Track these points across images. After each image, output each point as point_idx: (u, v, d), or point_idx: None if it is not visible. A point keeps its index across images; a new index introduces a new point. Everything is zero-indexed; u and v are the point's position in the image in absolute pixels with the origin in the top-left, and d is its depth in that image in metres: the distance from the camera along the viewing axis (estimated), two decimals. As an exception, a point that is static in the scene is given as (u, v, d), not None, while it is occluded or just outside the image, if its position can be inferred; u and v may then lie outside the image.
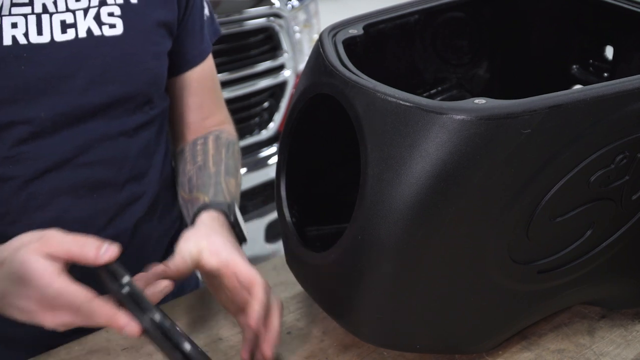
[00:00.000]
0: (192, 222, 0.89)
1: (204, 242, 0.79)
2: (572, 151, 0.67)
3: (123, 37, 0.90)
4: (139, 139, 0.95)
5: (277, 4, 1.93)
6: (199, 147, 1.03)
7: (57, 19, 0.86)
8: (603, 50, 0.95)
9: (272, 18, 1.92)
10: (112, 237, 0.91)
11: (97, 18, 0.88)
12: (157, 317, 0.64)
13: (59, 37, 0.86)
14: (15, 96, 0.84)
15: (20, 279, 0.66)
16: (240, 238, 0.88)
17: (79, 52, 0.87)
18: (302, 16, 2.09)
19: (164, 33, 0.95)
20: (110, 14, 0.89)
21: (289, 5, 2.00)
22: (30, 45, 0.84)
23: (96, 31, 0.88)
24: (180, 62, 1.02)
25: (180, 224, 1.10)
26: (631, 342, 0.81)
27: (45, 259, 0.66)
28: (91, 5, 0.88)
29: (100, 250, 0.66)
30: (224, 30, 1.79)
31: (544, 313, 0.82)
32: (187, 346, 0.64)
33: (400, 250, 0.66)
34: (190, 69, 1.04)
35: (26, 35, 0.84)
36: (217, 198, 0.91)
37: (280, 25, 1.94)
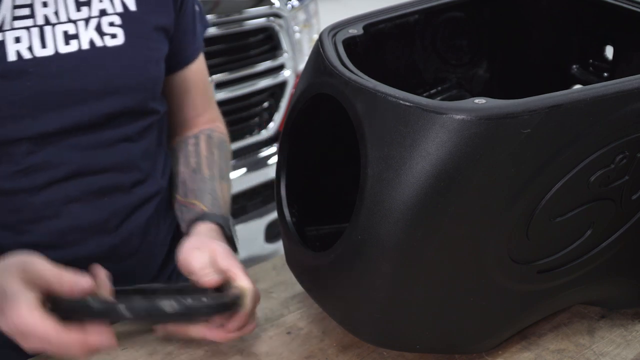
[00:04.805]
0: (188, 229, 0.91)
1: (213, 246, 0.81)
2: (571, 151, 0.67)
3: (124, 47, 0.89)
4: (142, 143, 0.96)
5: (277, 4, 1.93)
6: (190, 148, 1.03)
7: (59, 29, 0.85)
8: (603, 50, 0.95)
9: (271, 18, 1.92)
10: (125, 239, 0.95)
11: (99, 28, 0.88)
12: (125, 305, 0.69)
13: (63, 48, 0.85)
14: (22, 112, 0.83)
15: (2, 298, 0.68)
16: (233, 250, 0.89)
17: (83, 64, 0.86)
18: (301, 16, 2.09)
19: (162, 38, 0.95)
20: (111, 24, 0.89)
21: (289, 5, 2.00)
22: (35, 59, 0.83)
23: (98, 42, 0.88)
24: (174, 62, 1.02)
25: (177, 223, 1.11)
26: (631, 342, 0.81)
27: (25, 287, 0.68)
28: (92, 15, 0.88)
29: (74, 284, 0.69)
30: (224, 30, 1.82)
31: (544, 313, 0.82)
32: (167, 306, 0.70)
33: (400, 250, 0.66)
34: (184, 67, 1.04)
35: (30, 49, 0.83)
36: (214, 209, 0.94)
37: (280, 25, 1.94)
